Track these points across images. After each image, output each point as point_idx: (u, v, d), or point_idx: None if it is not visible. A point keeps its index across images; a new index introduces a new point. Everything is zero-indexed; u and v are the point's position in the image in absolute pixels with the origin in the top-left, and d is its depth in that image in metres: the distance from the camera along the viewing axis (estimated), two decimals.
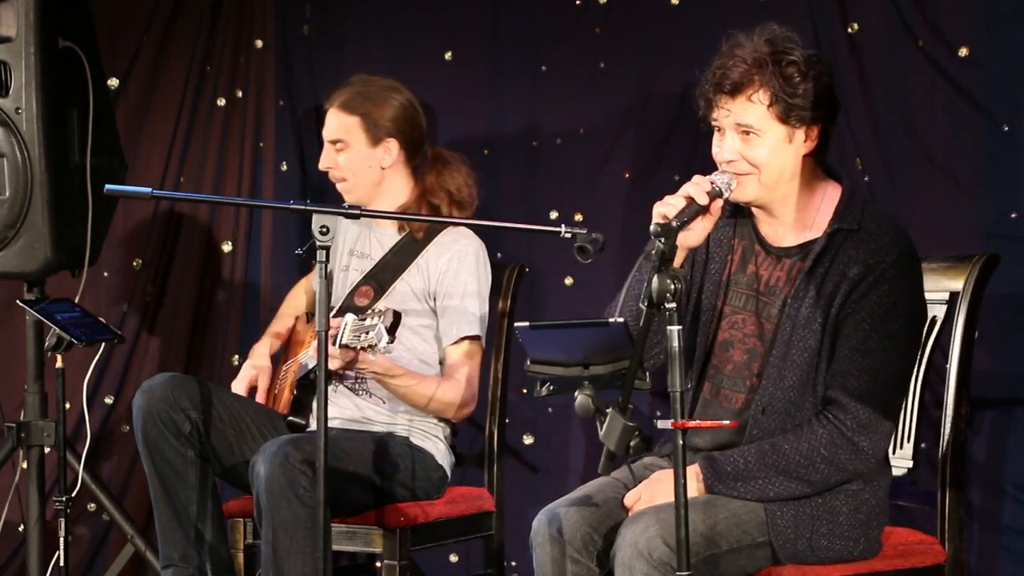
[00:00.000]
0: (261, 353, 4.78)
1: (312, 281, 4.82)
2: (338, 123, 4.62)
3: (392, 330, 4.04)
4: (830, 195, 3.75)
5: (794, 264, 3.74)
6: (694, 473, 3.65)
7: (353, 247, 4.73)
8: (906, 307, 3.64)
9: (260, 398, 4.69)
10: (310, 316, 4.85)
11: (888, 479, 3.79)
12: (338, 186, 4.68)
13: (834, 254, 3.67)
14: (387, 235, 4.67)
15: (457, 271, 4.55)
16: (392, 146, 4.61)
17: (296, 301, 4.94)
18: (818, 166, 3.76)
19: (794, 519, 3.64)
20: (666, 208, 3.58)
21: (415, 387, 4.44)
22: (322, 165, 4.68)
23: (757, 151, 3.67)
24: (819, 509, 3.66)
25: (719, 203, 3.67)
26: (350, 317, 4.19)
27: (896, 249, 3.65)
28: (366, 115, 4.60)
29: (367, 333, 4.08)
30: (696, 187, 3.63)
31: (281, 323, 4.89)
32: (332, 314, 4.45)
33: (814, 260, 3.69)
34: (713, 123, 3.73)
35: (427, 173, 4.66)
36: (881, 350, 3.62)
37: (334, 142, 4.63)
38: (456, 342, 4.54)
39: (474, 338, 4.54)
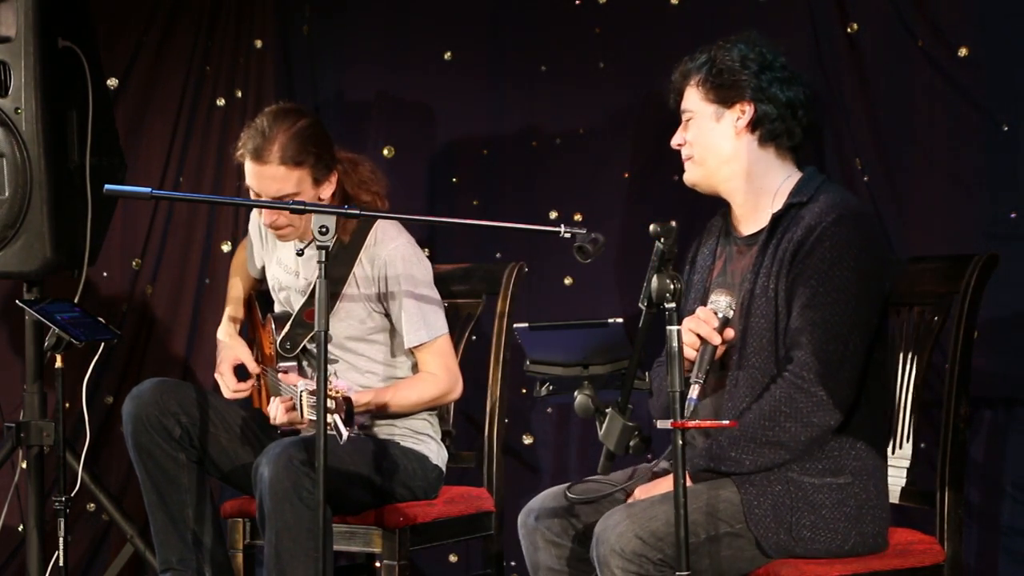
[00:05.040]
0: (229, 333, 4.69)
1: (247, 262, 4.75)
2: (284, 178, 4.32)
3: (348, 419, 3.93)
4: (791, 181, 3.81)
5: (757, 249, 3.79)
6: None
7: (280, 260, 4.62)
8: (850, 261, 3.67)
9: (251, 368, 4.63)
10: (257, 302, 4.79)
11: (882, 473, 3.79)
12: (282, 232, 4.42)
13: (786, 225, 3.74)
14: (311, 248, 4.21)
15: (396, 276, 4.44)
16: (332, 178, 4.43)
17: (239, 284, 4.82)
18: (780, 154, 3.81)
19: (772, 508, 3.64)
20: (690, 352, 3.64)
21: (401, 399, 4.43)
22: (267, 222, 4.41)
23: (691, 132, 3.81)
24: (799, 502, 3.65)
25: (730, 331, 3.71)
26: (304, 390, 4.16)
27: (836, 211, 3.69)
28: (314, 163, 4.36)
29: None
30: (706, 327, 3.67)
31: (235, 307, 4.79)
32: (283, 333, 4.48)
33: (768, 233, 3.75)
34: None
35: (341, 177, 4.47)
36: (829, 303, 3.65)
37: (282, 198, 4.33)
38: (419, 346, 4.49)
39: (436, 338, 4.50)
